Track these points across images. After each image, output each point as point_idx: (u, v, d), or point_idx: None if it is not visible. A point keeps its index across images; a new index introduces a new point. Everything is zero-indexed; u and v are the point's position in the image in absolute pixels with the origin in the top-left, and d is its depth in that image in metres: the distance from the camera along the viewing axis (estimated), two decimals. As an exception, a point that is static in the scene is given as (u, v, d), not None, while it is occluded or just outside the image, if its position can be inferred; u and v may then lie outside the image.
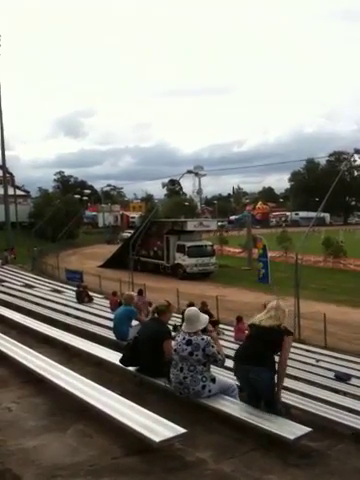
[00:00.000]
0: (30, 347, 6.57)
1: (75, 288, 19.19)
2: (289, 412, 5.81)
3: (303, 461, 4.00)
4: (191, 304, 14.26)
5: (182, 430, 3.81)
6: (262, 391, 4.65)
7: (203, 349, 4.82)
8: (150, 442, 3.68)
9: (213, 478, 3.59)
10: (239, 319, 13.43)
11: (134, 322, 8.72)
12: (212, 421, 4.58)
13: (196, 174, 62.70)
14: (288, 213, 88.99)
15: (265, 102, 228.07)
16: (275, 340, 4.62)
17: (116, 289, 20.46)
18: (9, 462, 3.59)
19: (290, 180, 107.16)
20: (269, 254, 30.72)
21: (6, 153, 46.29)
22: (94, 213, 76.76)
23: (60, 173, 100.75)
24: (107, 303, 17.09)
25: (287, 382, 7.67)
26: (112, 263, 36.67)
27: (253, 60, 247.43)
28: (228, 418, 4.52)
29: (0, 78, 45.33)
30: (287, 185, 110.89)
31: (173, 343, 5.20)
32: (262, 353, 4.61)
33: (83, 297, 16.96)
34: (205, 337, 4.92)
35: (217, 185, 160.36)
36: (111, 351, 6.87)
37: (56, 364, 5.70)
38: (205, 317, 5.18)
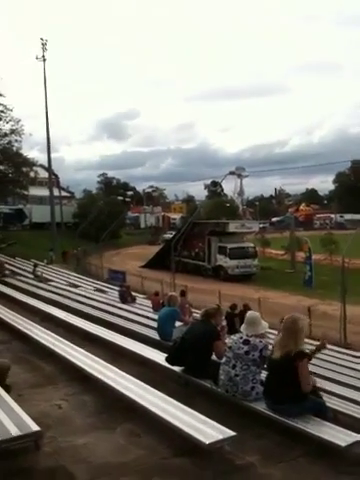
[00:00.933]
0: (76, 345, 6.68)
1: (118, 288, 19.40)
2: (336, 418, 5.64)
3: (355, 469, 3.87)
4: (234, 306, 14.20)
5: (231, 433, 3.76)
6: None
7: (260, 350, 4.77)
8: (199, 443, 3.65)
9: (263, 483, 3.52)
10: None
11: (177, 323, 8.72)
12: (259, 425, 4.50)
13: (238, 175, 62.14)
14: (332, 215, 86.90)
15: (309, 102, 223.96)
16: (289, 371, 4.37)
17: (158, 289, 20.58)
18: (62, 459, 3.65)
19: (334, 182, 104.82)
20: (313, 257, 30.13)
21: (51, 155, 47.56)
22: (136, 214, 77.52)
23: (103, 175, 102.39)
24: (149, 303, 17.20)
25: (333, 387, 7.48)
26: (154, 264, 36.88)
27: (297, 61, 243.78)
28: (275, 422, 4.43)
29: (48, 83, 45.87)
30: (331, 187, 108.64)
31: (228, 341, 5.16)
32: (282, 390, 4.41)
33: (126, 297, 17.12)
34: (263, 340, 4.89)
35: (259, 186, 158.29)
36: (155, 351, 6.88)
37: (102, 362, 5.77)
38: (266, 324, 5.14)
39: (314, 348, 5.23)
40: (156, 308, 15.78)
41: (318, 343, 5.40)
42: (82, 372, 5.58)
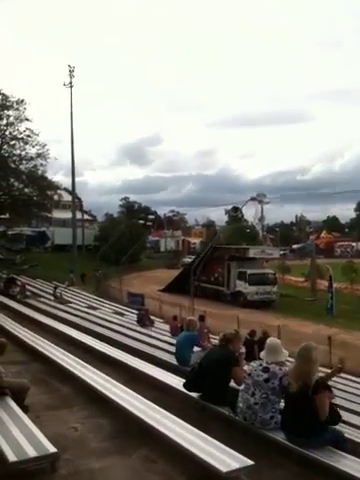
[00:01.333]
0: (94, 367, 6.69)
1: (137, 311, 19.42)
2: (355, 450, 5.50)
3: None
4: (253, 332, 14.05)
5: (249, 462, 3.70)
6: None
7: (280, 379, 4.70)
8: (216, 472, 3.59)
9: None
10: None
11: (196, 348, 8.67)
12: (277, 455, 4.42)
13: (259, 201, 62.15)
14: (354, 243, 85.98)
15: (331, 129, 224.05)
16: (306, 403, 4.29)
17: (176, 314, 20.51)
18: (78, 482, 3.64)
19: (356, 209, 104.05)
20: (334, 285, 29.72)
21: (75, 179, 48.35)
22: (156, 238, 77.92)
23: (125, 199, 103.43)
24: (168, 327, 17.14)
25: (352, 418, 7.31)
26: (173, 288, 36.81)
27: (320, 87, 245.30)
28: (294, 453, 4.34)
29: (73, 108, 46.91)
30: (353, 214, 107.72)
31: (247, 368, 5.11)
32: (300, 422, 4.32)
33: (144, 320, 17.12)
34: (283, 368, 4.82)
35: (280, 213, 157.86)
36: (173, 375, 6.84)
37: (119, 385, 5.77)
38: (287, 353, 5.08)
39: (329, 372, 5.16)
40: (174, 332, 15.71)
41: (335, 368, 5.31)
42: (99, 395, 5.58)
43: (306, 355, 4.48)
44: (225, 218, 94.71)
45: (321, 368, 9.81)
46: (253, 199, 47.49)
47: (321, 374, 4.69)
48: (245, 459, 3.75)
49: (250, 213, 76.88)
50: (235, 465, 3.66)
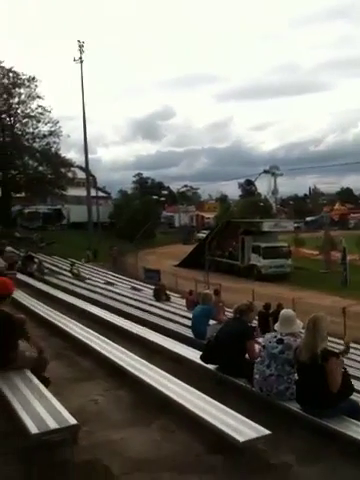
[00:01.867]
0: (112, 341, 6.79)
1: (153, 286, 19.57)
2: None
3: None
4: (267, 305, 14.09)
5: (266, 431, 3.76)
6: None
7: (295, 350, 4.70)
8: (234, 441, 3.66)
9: (299, 482, 3.51)
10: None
11: (212, 321, 8.74)
12: (293, 425, 4.47)
13: (272, 174, 61.53)
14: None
15: (344, 99, 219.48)
16: (317, 373, 4.30)
17: (192, 289, 20.62)
18: (98, 453, 3.73)
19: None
20: (348, 257, 29.56)
21: (89, 156, 48.28)
22: (170, 214, 77.86)
23: (139, 175, 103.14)
24: (183, 302, 17.27)
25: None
26: (188, 263, 36.95)
27: (333, 56, 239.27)
28: (310, 423, 4.39)
29: (84, 84, 46.48)
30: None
31: (261, 340, 5.15)
32: (314, 393, 4.35)
33: (161, 295, 17.26)
34: (297, 339, 4.83)
35: (293, 185, 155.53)
36: (190, 348, 6.92)
37: (138, 358, 5.85)
38: (300, 323, 5.09)
39: (341, 349, 5.16)
40: (190, 307, 15.83)
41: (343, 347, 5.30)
42: (118, 368, 5.68)
43: (314, 326, 4.49)
44: (238, 192, 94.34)
45: (336, 339, 9.87)
46: (266, 172, 47.12)
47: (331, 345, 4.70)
48: (262, 429, 3.81)
49: (263, 186, 76.31)
50: (252, 434, 3.71)
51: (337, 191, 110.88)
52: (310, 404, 4.41)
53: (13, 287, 5.01)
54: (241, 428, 3.82)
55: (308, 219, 75.95)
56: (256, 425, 3.87)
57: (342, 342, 6.59)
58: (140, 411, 4.65)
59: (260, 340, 5.24)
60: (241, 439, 3.64)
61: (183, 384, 4.84)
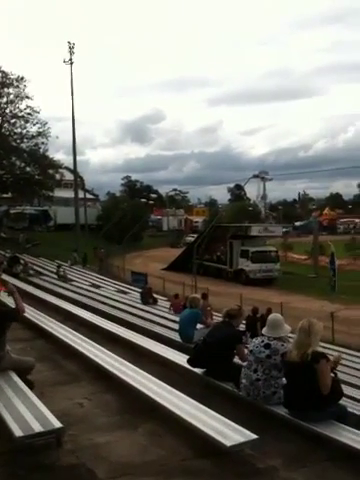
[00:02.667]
0: (99, 344, 6.73)
1: (140, 289, 19.51)
2: (358, 423, 5.55)
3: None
4: (255, 309, 14.10)
5: (253, 436, 3.73)
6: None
7: (282, 355, 4.69)
8: (220, 446, 3.63)
9: (285, 487, 3.49)
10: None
11: (199, 325, 8.71)
12: (281, 429, 4.45)
13: (262, 178, 61.88)
14: (357, 220, 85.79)
15: (334, 105, 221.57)
16: (307, 374, 4.28)
17: (179, 292, 20.60)
18: (83, 456, 3.67)
19: (359, 186, 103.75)
20: (337, 262, 29.73)
21: (77, 158, 48.06)
22: (159, 217, 77.81)
23: (127, 177, 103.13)
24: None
25: (355, 393, 7.36)
26: (176, 266, 36.96)
27: (323, 62, 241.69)
28: (297, 427, 4.37)
29: (74, 86, 46.29)
30: (356, 191, 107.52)
31: (249, 345, 5.13)
32: (302, 396, 4.32)
33: (147, 298, 17.24)
34: (285, 344, 4.81)
35: (282, 190, 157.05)
36: (176, 352, 6.88)
37: (124, 362, 5.80)
38: (289, 328, 5.08)
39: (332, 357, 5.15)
40: (176, 311, 15.80)
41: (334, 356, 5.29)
42: (104, 371, 5.62)
43: (308, 328, 4.46)
44: (228, 196, 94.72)
45: (323, 344, 9.90)
46: (255, 176, 47.36)
47: (329, 351, 4.70)
48: (249, 433, 3.78)
49: (252, 191, 76.73)
50: (239, 439, 3.69)
51: (326, 196, 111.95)
52: (298, 407, 4.39)
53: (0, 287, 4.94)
54: (228, 432, 3.79)
55: (297, 224, 76.51)
56: (243, 429, 3.84)
57: (331, 346, 6.61)
58: (126, 415, 4.60)
59: (249, 345, 5.22)
60: (228, 443, 3.61)
61: (170, 388, 4.80)
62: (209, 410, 4.24)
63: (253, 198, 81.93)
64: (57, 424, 3.65)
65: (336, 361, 4.81)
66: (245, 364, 5.01)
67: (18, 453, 3.56)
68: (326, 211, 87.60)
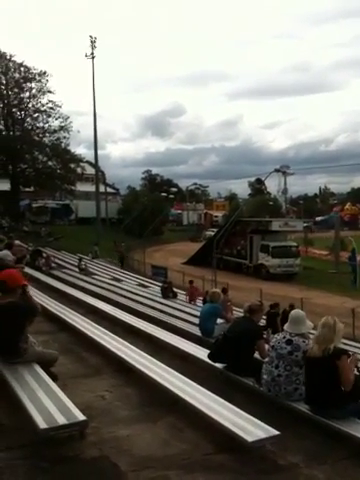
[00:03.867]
0: (120, 337, 6.78)
1: (160, 283, 19.59)
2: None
3: None
4: (275, 304, 14.01)
5: (275, 432, 3.73)
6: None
7: (304, 351, 4.68)
8: (242, 441, 3.63)
9: (306, 484, 3.48)
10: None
11: (219, 320, 8.71)
12: (302, 425, 4.43)
13: (283, 173, 61.32)
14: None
15: (356, 99, 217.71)
16: (328, 370, 4.26)
17: (199, 286, 20.61)
18: (106, 449, 3.71)
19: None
20: (358, 257, 29.37)
21: (98, 152, 48.33)
22: (179, 211, 77.82)
23: (147, 172, 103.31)
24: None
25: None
26: (195, 260, 36.95)
27: (344, 56, 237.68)
28: (318, 424, 4.35)
29: (95, 81, 46.54)
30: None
31: (271, 341, 5.12)
32: (323, 393, 4.30)
33: (168, 293, 17.30)
34: (306, 340, 4.79)
35: (303, 185, 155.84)
36: (197, 346, 6.90)
37: (145, 355, 5.84)
38: (311, 324, 5.05)
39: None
40: (192, 300, 15.85)
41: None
42: (126, 364, 5.67)
43: (332, 323, 4.44)
44: (248, 190, 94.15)
45: (344, 340, 9.78)
46: (277, 171, 46.82)
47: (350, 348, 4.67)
48: (270, 429, 3.78)
49: (273, 185, 76.05)
50: (261, 435, 3.69)
51: (348, 191, 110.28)
52: (319, 403, 4.37)
53: (22, 280, 5.00)
54: (249, 428, 3.79)
55: (318, 219, 75.67)
56: (264, 425, 3.84)
57: (352, 343, 6.54)
58: (147, 408, 4.63)
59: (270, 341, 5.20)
60: (249, 439, 3.61)
61: (191, 382, 4.82)
62: (230, 405, 4.24)
63: (274, 192, 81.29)
64: (81, 417, 3.69)
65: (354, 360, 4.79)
66: (266, 360, 5.01)
67: (41, 445, 3.61)
68: (347, 206, 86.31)
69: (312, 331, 5.19)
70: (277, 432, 3.74)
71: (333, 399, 4.28)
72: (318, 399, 4.38)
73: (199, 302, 16.23)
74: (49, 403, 3.87)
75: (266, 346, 5.47)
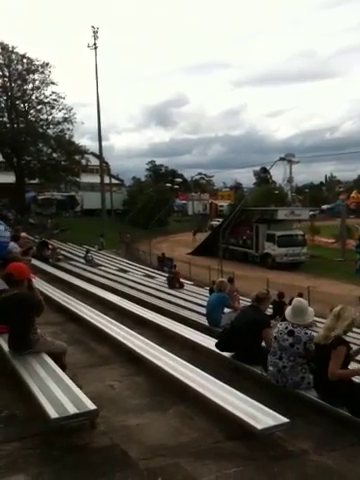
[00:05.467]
0: (128, 328, 6.82)
1: (166, 274, 19.61)
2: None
3: None
4: (281, 294, 14.00)
5: (284, 419, 3.75)
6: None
7: (304, 343, 4.69)
8: (252, 429, 3.66)
9: (316, 470, 3.50)
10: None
11: (226, 309, 8.73)
12: (310, 413, 4.46)
13: (289, 161, 60.91)
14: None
15: (359, 87, 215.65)
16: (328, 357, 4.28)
17: (205, 276, 20.59)
18: (116, 438, 3.75)
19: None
20: (365, 245, 29.26)
21: (102, 143, 48.22)
22: (184, 201, 77.65)
23: (152, 162, 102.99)
24: (197, 290, 17.32)
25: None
26: (201, 251, 36.93)
27: (348, 42, 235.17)
28: (327, 411, 4.37)
29: (99, 72, 46.24)
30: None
31: (273, 331, 5.13)
32: (328, 381, 4.31)
33: (174, 283, 17.30)
34: (308, 332, 4.78)
35: (308, 173, 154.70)
36: (204, 336, 6.92)
37: (154, 345, 5.87)
38: (312, 311, 5.03)
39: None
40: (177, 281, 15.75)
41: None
42: (134, 354, 5.71)
43: (338, 312, 4.45)
44: (253, 180, 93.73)
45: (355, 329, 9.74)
46: (282, 159, 46.47)
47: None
48: (280, 417, 3.81)
49: (278, 174, 75.73)
50: (270, 422, 3.71)
51: (354, 179, 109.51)
52: (325, 390, 4.38)
53: (29, 272, 5.02)
54: (259, 415, 3.82)
55: (324, 207, 75.34)
56: (274, 413, 3.87)
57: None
58: (156, 397, 4.67)
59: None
60: (259, 426, 3.64)
61: (200, 371, 4.85)
62: (239, 393, 4.27)
63: (279, 181, 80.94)
64: (91, 406, 3.73)
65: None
66: (270, 350, 5.00)
67: (52, 434, 3.65)
68: (354, 194, 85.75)
69: (316, 318, 5.18)
70: (286, 419, 3.76)
71: (337, 387, 4.29)
72: (325, 386, 4.39)
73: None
74: (60, 393, 3.90)
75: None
